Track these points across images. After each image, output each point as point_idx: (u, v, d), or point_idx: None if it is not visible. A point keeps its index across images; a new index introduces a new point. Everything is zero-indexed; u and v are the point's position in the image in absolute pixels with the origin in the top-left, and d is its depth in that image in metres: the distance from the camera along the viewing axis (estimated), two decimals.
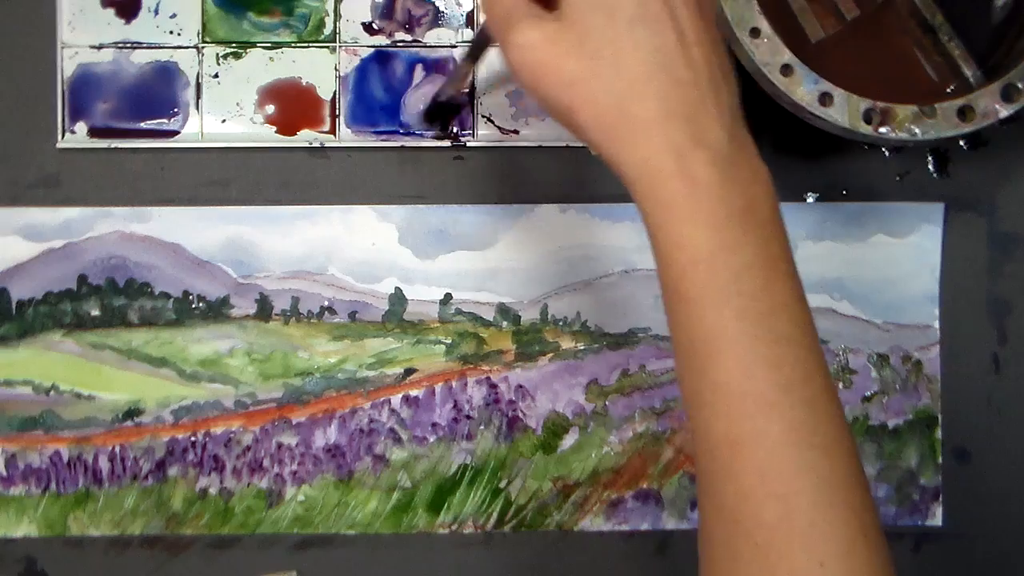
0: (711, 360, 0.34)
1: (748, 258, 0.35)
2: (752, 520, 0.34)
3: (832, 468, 0.34)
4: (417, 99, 0.54)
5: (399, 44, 0.54)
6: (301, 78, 0.54)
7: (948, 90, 0.50)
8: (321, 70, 0.54)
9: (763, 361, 0.34)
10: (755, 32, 0.45)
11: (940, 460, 0.54)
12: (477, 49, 0.48)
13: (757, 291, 0.34)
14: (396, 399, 0.54)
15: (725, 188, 0.35)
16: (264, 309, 0.54)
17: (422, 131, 0.54)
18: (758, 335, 0.34)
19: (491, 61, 0.51)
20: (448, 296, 0.54)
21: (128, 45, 0.54)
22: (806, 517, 0.33)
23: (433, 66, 0.54)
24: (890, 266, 0.54)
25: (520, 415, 0.54)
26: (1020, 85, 0.45)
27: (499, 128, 0.54)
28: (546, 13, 0.36)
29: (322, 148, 0.54)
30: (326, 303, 0.54)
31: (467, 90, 0.54)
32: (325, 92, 0.54)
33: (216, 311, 0.54)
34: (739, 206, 0.35)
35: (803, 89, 0.45)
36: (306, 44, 0.54)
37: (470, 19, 0.54)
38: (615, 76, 0.35)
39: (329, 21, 0.54)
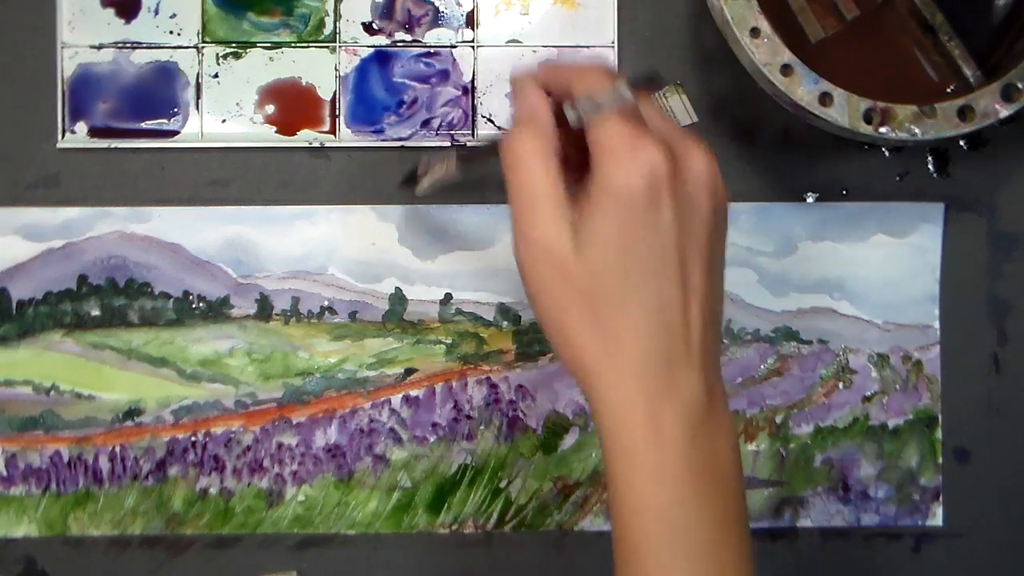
0: None
1: (700, 514, 0.35)
2: None
3: None
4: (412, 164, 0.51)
5: (399, 44, 0.54)
6: (301, 78, 0.54)
7: (948, 90, 0.50)
8: (321, 70, 0.54)
9: None
10: (755, 32, 0.45)
11: (940, 460, 0.54)
12: (473, 159, 0.46)
13: (702, 551, 0.34)
14: (396, 399, 0.54)
15: (689, 443, 0.35)
16: (264, 309, 0.54)
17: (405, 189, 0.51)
18: None
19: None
20: (448, 296, 0.54)
21: (128, 45, 0.54)
22: None
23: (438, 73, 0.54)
24: (890, 266, 0.54)
25: (520, 415, 0.54)
26: (1020, 85, 0.45)
27: (499, 128, 0.54)
28: (571, 212, 0.35)
29: (322, 148, 0.54)
30: (326, 303, 0.54)
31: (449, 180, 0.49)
32: (325, 92, 0.54)
33: (216, 311, 0.54)
34: (700, 461, 0.35)
35: (803, 89, 0.45)
36: (306, 44, 0.54)
37: (470, 19, 0.54)
38: (609, 318, 0.35)
39: (329, 21, 0.54)
